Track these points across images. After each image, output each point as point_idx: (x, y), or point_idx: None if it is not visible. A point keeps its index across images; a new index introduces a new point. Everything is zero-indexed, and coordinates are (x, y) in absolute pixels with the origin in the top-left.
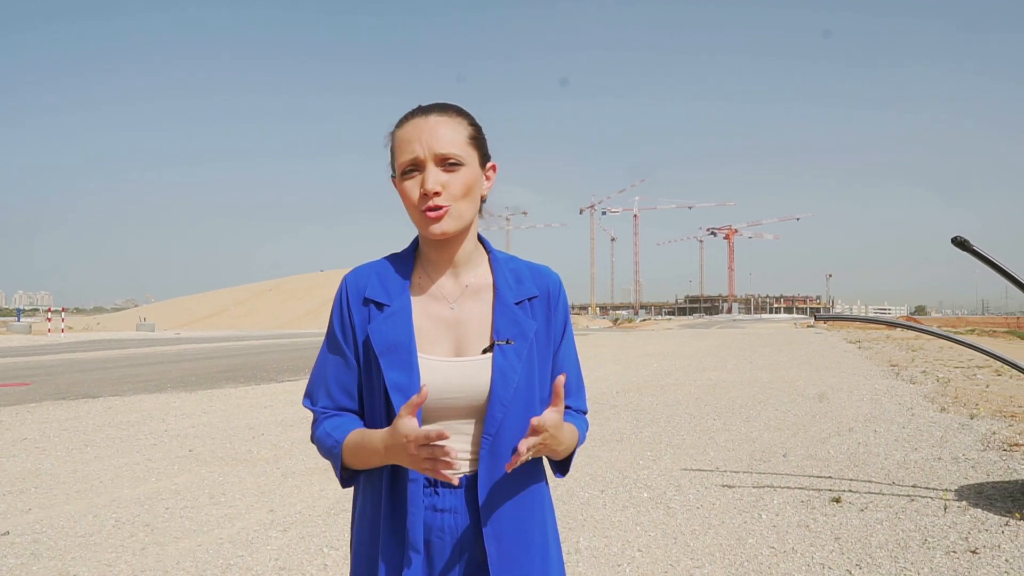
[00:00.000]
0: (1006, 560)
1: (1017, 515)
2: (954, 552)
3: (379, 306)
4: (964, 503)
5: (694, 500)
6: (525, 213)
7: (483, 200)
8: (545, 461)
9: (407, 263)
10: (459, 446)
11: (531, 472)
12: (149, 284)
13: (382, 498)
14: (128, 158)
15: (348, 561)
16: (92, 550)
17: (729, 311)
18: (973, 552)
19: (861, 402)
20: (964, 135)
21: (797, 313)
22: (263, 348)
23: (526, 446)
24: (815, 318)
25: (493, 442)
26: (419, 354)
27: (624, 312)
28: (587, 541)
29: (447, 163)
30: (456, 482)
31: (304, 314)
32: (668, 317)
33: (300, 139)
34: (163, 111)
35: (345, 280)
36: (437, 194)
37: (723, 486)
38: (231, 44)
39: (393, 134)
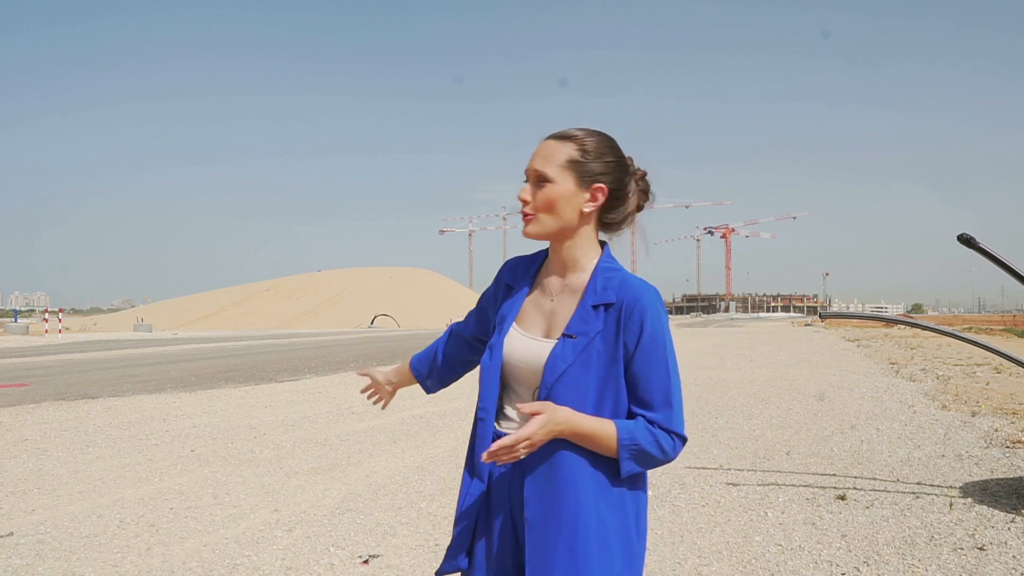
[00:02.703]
0: (1014, 557)
1: (1023, 512)
2: (961, 549)
3: (509, 288)
4: (969, 500)
5: (699, 498)
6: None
7: (592, 216)
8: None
9: (541, 260)
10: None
11: (578, 454)
12: (146, 285)
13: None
14: (123, 159)
15: (354, 560)
16: (97, 551)
17: (726, 310)
18: (981, 549)
19: (862, 400)
20: (962, 133)
21: (794, 312)
22: (261, 348)
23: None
24: (820, 316)
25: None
26: (518, 329)
27: None
28: None
29: (539, 179)
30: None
31: (301, 314)
32: None
33: (298, 139)
34: (160, 112)
35: (503, 266)
36: (525, 202)
37: (728, 484)
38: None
39: None
